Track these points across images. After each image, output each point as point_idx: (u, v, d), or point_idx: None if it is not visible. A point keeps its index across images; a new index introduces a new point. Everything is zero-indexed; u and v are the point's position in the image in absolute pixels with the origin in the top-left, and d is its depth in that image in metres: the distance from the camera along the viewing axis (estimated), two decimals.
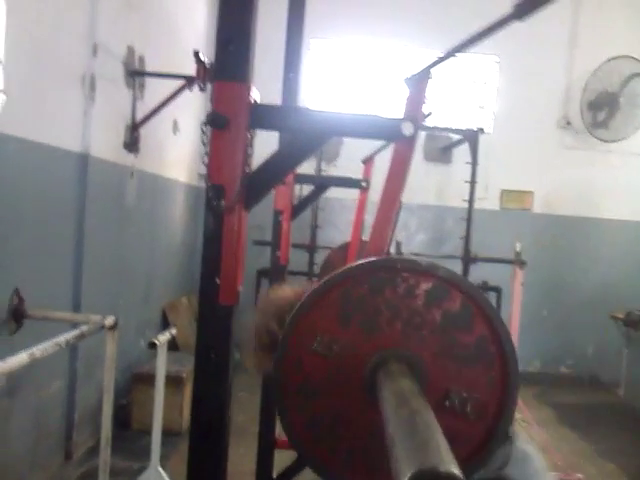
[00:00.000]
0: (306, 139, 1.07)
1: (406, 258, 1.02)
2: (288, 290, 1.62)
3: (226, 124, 1.00)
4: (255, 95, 1.05)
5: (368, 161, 2.96)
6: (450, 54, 1.00)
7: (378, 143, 2.52)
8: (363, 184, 2.73)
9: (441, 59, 1.02)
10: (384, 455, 1.02)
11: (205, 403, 1.09)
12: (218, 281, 1.05)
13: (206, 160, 1.01)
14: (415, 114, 1.03)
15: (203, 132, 1.02)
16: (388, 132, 1.06)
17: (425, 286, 1.00)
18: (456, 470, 0.64)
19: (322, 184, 2.52)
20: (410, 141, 1.05)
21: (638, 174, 7.41)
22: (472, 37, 0.98)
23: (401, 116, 1.06)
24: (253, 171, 1.06)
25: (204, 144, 1.02)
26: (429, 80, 1.04)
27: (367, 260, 1.04)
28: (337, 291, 1.00)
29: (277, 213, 2.35)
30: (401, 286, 1.00)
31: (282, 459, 2.93)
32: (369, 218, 3.69)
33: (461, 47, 1.00)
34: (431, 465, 0.65)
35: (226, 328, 1.07)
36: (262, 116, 1.06)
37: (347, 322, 1.00)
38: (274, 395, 1.02)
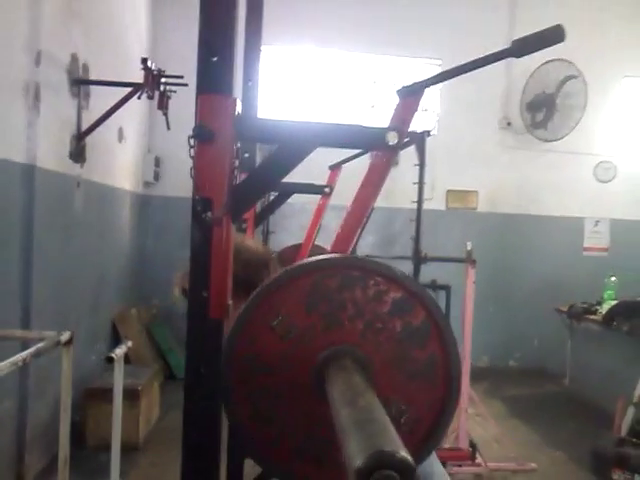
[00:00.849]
0: (291, 150, 1.08)
1: (383, 263, 1.04)
2: (254, 243, 1.72)
3: (212, 137, 0.99)
4: (238, 107, 1.06)
5: (335, 168, 2.99)
6: (445, 76, 1.03)
7: (339, 150, 2.55)
8: (326, 190, 2.76)
9: (436, 78, 1.05)
10: (314, 445, 1.03)
11: (196, 418, 1.08)
12: (206, 294, 1.04)
13: (193, 173, 1.01)
14: (401, 125, 1.06)
15: (190, 145, 1.01)
16: (373, 141, 1.08)
17: (394, 295, 1.02)
18: (411, 460, 0.65)
19: (286, 191, 2.53)
20: (392, 150, 1.07)
21: (576, 172, 7.74)
22: (467, 64, 1.01)
23: (378, 125, 1.08)
24: (240, 183, 1.06)
25: (191, 157, 1.01)
26: (422, 95, 1.06)
27: (345, 255, 1.05)
28: (309, 278, 1.01)
29: (241, 221, 2.34)
30: (371, 289, 1.02)
31: (252, 469, 2.90)
32: (324, 222, 3.71)
33: (456, 72, 1.03)
34: (390, 449, 0.66)
35: (216, 342, 1.06)
36: (247, 128, 1.06)
37: (310, 310, 1.00)
38: (223, 361, 1.01)
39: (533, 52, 0.99)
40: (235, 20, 1.04)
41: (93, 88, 4.66)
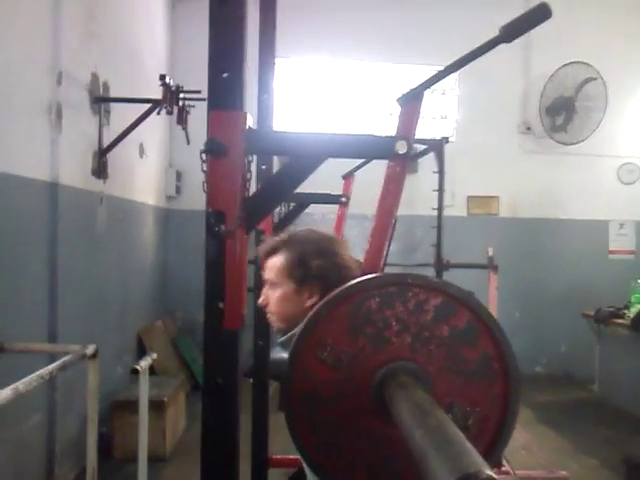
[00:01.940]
0: (302, 162, 1.10)
1: (417, 274, 1.05)
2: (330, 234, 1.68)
3: (224, 151, 1.02)
4: (249, 121, 1.08)
5: (348, 177, 3.02)
6: (441, 76, 1.04)
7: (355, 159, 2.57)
8: (343, 199, 2.78)
9: (432, 80, 1.05)
10: (386, 465, 1.05)
11: (215, 428, 1.10)
12: (222, 305, 1.06)
13: (206, 187, 1.03)
14: (408, 132, 1.07)
15: (203, 160, 1.04)
16: (382, 151, 1.09)
17: (434, 302, 1.04)
18: (496, 477, 0.66)
19: (302, 201, 2.55)
20: (404, 159, 1.08)
21: (598, 175, 7.64)
22: (460, 60, 1.01)
23: (393, 134, 1.09)
24: (252, 195, 1.08)
25: (204, 172, 1.04)
26: (422, 99, 1.07)
27: (379, 274, 1.07)
28: (348, 303, 1.03)
29: (259, 232, 2.36)
30: (411, 301, 1.03)
31: (276, 478, 2.92)
32: (349, 231, 3.72)
33: (451, 69, 1.04)
34: (477, 468, 0.67)
35: (232, 352, 1.08)
36: (258, 141, 1.08)
37: (357, 334, 1.02)
38: (283, 399, 1.03)
39: (522, 34, 0.98)
40: (244, 36, 1.07)
41: (113, 105, 4.74)
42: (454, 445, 0.72)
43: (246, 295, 1.10)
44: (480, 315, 1.03)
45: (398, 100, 1.08)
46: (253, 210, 1.07)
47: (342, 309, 1.02)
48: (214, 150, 1.01)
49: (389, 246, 1.15)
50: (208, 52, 1.05)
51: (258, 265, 2.24)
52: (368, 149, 1.11)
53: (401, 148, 1.06)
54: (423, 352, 1.03)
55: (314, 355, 1.02)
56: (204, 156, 1.03)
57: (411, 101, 1.07)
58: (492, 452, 1.06)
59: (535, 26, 0.97)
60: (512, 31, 0.98)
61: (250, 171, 1.07)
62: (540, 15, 0.97)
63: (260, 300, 1.65)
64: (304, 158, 1.09)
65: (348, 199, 2.84)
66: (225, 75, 1.04)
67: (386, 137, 1.08)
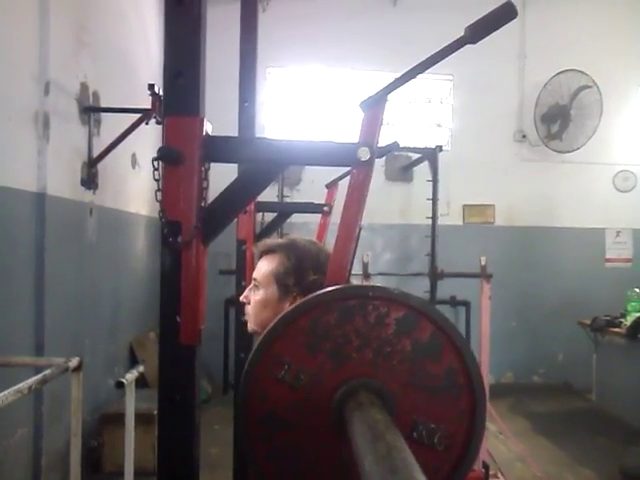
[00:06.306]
0: (262, 169, 1.06)
1: (377, 286, 1.01)
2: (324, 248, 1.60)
3: (179, 159, 0.98)
4: (207, 127, 1.04)
5: (332, 186, 2.98)
6: (405, 79, 1.00)
7: (341, 167, 2.54)
8: (325, 209, 2.75)
9: (396, 83, 1.01)
10: None
11: (172, 446, 1.05)
12: (178, 319, 1.02)
13: (160, 196, 0.99)
14: (371, 139, 1.03)
15: (155, 168, 1.00)
16: (344, 158, 1.05)
17: (396, 315, 0.99)
18: None
19: (284, 211, 2.51)
20: (367, 166, 1.04)
21: (594, 182, 7.61)
22: (425, 61, 0.97)
23: (357, 141, 1.06)
24: (209, 205, 1.04)
25: (156, 180, 0.99)
26: (385, 104, 1.03)
27: (337, 287, 1.02)
28: (306, 319, 0.98)
29: (240, 242, 2.33)
30: (372, 314, 0.99)
31: None
32: (332, 240, 3.69)
33: (415, 71, 0.99)
34: None
35: (189, 368, 1.04)
36: (215, 148, 1.04)
37: (315, 351, 0.98)
38: (238, 425, 0.99)
39: (488, 34, 0.94)
40: (200, 41, 1.03)
41: (104, 115, 4.71)
42: (397, 475, 0.68)
43: (205, 309, 1.05)
44: (443, 328, 0.99)
45: (360, 105, 1.04)
46: (211, 220, 1.03)
47: (299, 325, 0.98)
48: (168, 157, 0.97)
49: (354, 257, 1.11)
50: (163, 56, 1.02)
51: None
52: (330, 156, 1.07)
53: (364, 155, 1.02)
54: (385, 368, 0.98)
55: (271, 375, 0.97)
56: (156, 164, 0.99)
57: (373, 106, 1.03)
58: (460, 469, 1.02)
59: (501, 26, 0.93)
60: (477, 31, 0.94)
61: (208, 179, 1.03)
62: (506, 14, 0.93)
63: (242, 297, 1.60)
64: (264, 165, 1.05)
65: (331, 208, 2.80)
66: (180, 80, 1.01)
67: (348, 144, 1.04)
